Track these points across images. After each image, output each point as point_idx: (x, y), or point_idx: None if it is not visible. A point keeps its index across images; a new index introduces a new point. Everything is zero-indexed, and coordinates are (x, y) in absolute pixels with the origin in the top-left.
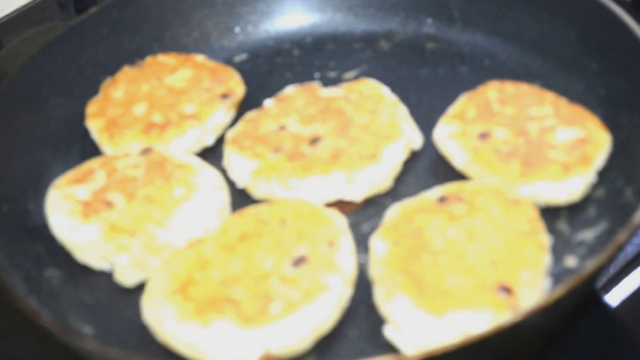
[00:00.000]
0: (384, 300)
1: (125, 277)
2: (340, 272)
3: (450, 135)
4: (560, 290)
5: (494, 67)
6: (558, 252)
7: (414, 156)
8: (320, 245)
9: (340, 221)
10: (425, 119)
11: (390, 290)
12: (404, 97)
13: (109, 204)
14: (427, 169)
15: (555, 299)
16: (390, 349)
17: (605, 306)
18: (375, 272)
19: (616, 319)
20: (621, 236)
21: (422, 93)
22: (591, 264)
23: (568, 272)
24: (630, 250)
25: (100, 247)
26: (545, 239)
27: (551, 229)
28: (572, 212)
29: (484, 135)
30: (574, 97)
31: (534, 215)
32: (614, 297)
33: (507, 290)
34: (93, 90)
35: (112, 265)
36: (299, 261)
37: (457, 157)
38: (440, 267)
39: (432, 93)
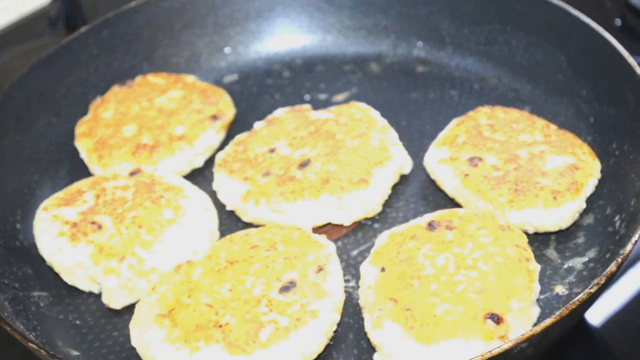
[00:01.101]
0: (373, 327)
1: (113, 300)
2: (329, 298)
3: (441, 160)
4: (550, 320)
5: (484, 91)
6: (547, 279)
7: (403, 180)
8: (309, 271)
9: (330, 246)
10: (416, 143)
11: (380, 317)
12: (394, 121)
13: (98, 226)
14: (417, 193)
15: (544, 328)
16: None
17: (588, 326)
18: (364, 299)
19: (599, 339)
20: (611, 267)
21: (413, 117)
22: (581, 295)
23: (557, 299)
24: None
25: (88, 269)
26: (534, 267)
27: (540, 256)
28: (561, 239)
29: (473, 161)
30: (564, 123)
31: (523, 242)
32: (595, 316)
33: (496, 318)
34: (82, 110)
35: (100, 287)
36: (288, 287)
37: (447, 182)
38: (430, 295)
39: (423, 117)
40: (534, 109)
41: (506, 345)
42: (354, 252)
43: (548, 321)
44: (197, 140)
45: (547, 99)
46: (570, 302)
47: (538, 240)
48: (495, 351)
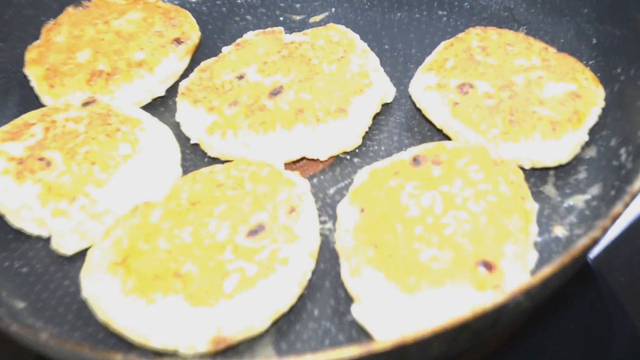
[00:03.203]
0: (351, 275)
1: (63, 245)
2: (302, 243)
3: (428, 87)
4: (549, 269)
5: (475, 11)
6: (545, 219)
7: (385, 110)
8: (280, 212)
9: (303, 184)
10: (400, 69)
11: (359, 264)
12: (376, 44)
13: (47, 163)
14: (401, 124)
15: (543, 279)
16: (358, 330)
17: (590, 268)
18: (342, 243)
19: (601, 280)
20: (618, 207)
21: (396, 39)
22: (584, 240)
23: (556, 242)
24: None
25: (36, 211)
26: (530, 206)
27: (537, 194)
28: (560, 174)
29: (464, 88)
30: (564, 45)
31: (519, 178)
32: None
33: (488, 265)
34: (33, 34)
35: (49, 231)
36: (256, 231)
37: (434, 111)
38: (415, 239)
39: (407, 39)
40: (530, 29)
41: (501, 298)
42: (331, 190)
43: (547, 270)
44: (159, 66)
45: (545, 19)
46: (572, 248)
47: (535, 176)
48: (488, 306)
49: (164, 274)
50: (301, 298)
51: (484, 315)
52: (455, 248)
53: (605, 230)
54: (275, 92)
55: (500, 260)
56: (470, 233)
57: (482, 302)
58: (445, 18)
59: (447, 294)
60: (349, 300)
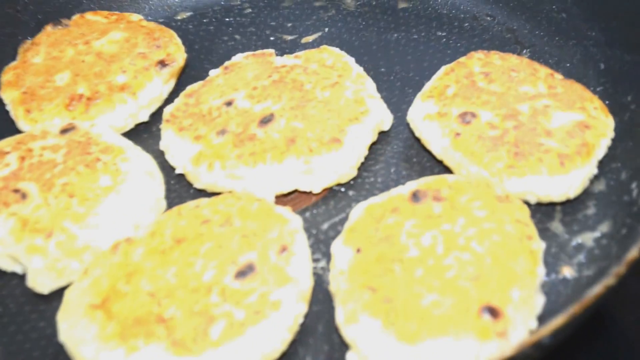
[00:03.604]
0: (346, 321)
1: (39, 283)
2: (294, 285)
3: (427, 116)
4: (561, 319)
5: (476, 32)
6: (552, 258)
7: (382, 138)
8: (271, 251)
9: (295, 221)
10: (397, 94)
11: (355, 309)
12: (372, 67)
13: (22, 195)
14: (399, 154)
15: (555, 329)
16: None
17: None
18: (336, 286)
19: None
20: (633, 252)
21: (393, 62)
22: (598, 289)
23: (564, 284)
24: None
25: (9, 246)
26: (537, 246)
27: (543, 231)
28: (567, 210)
29: (466, 117)
30: (569, 70)
31: (525, 216)
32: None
33: (494, 312)
34: (9, 54)
35: (23, 268)
36: (245, 272)
37: (434, 142)
38: (414, 282)
39: (405, 62)
40: (534, 53)
41: (509, 351)
42: (325, 226)
43: (558, 321)
44: (142, 90)
45: (550, 42)
46: (585, 297)
47: (540, 212)
48: (495, 358)
49: (146, 318)
50: (292, 343)
51: None
52: (458, 293)
53: (620, 278)
54: (265, 120)
55: (507, 306)
56: (474, 276)
57: (486, 352)
58: (444, 39)
59: (449, 343)
60: (344, 345)
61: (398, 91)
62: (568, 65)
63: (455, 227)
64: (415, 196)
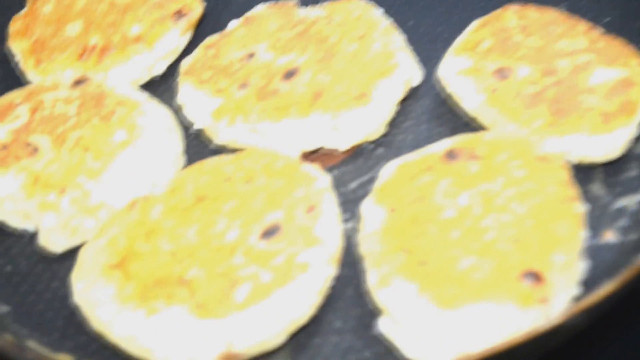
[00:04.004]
0: (379, 285)
1: (52, 242)
2: (322, 246)
3: (461, 72)
4: (612, 286)
5: None
6: (594, 222)
7: (411, 95)
8: (297, 210)
9: (323, 179)
10: (426, 48)
11: (388, 273)
12: (399, 20)
13: (33, 149)
14: (429, 111)
15: (605, 296)
16: (385, 346)
17: None
18: (367, 248)
19: None
20: None
21: (422, 15)
22: None
23: (608, 249)
24: None
25: (20, 203)
26: (580, 209)
27: (584, 193)
28: (609, 171)
29: (502, 72)
30: (609, 25)
31: (566, 177)
32: None
33: (536, 277)
34: (17, 3)
35: (35, 225)
36: (271, 232)
37: (468, 98)
38: (451, 244)
39: (434, 15)
40: (570, 6)
41: (555, 320)
42: (353, 185)
43: (609, 287)
44: (158, 41)
45: None
46: (636, 262)
47: (581, 173)
48: (541, 328)
49: (167, 279)
50: (321, 308)
51: (537, 338)
52: (498, 256)
53: None
54: (289, 74)
55: (549, 271)
56: (514, 239)
57: (527, 320)
58: None
59: (489, 309)
60: (375, 311)
61: (427, 45)
62: (608, 19)
63: (493, 186)
64: (451, 154)
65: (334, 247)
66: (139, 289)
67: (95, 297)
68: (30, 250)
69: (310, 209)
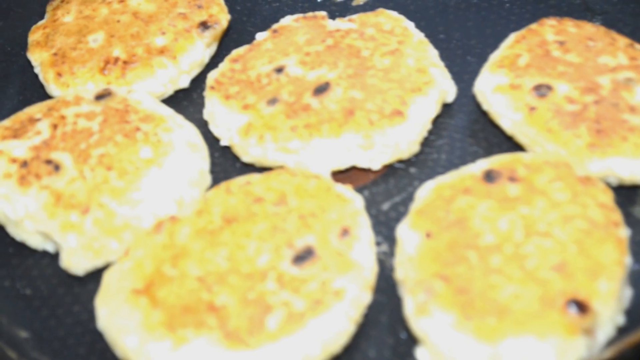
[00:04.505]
0: (417, 314)
1: (74, 264)
2: (358, 272)
3: (498, 88)
4: None
5: None
6: (637, 247)
7: (445, 112)
8: (331, 234)
9: (357, 201)
10: (458, 63)
11: (425, 302)
12: (430, 34)
13: (55, 167)
14: (463, 129)
15: None
16: None
17: None
18: (403, 274)
19: None
20: None
21: (452, 28)
22: None
23: None
24: None
25: (42, 223)
26: (624, 234)
27: (626, 217)
28: None
29: (541, 90)
30: None
31: (609, 200)
32: None
33: (581, 305)
34: (37, 12)
35: (57, 246)
36: (304, 256)
37: (505, 116)
38: (491, 272)
39: (465, 28)
40: (606, 21)
41: (607, 353)
42: (385, 206)
43: None
44: (183, 54)
45: (624, 9)
46: None
47: (621, 195)
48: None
49: (195, 306)
50: (355, 338)
51: None
52: (541, 284)
53: None
54: (320, 89)
55: (594, 299)
56: (557, 266)
57: (573, 352)
58: (507, 4)
59: (532, 342)
60: (411, 339)
61: (459, 60)
62: None
63: (534, 211)
64: (489, 176)
65: (370, 273)
66: (166, 316)
67: (121, 324)
68: (51, 272)
69: (345, 232)
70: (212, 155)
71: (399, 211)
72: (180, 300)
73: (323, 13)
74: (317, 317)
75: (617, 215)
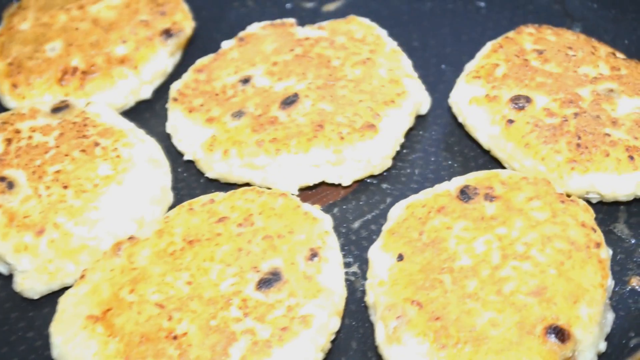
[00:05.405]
0: (389, 341)
1: (29, 287)
2: (327, 297)
3: (474, 100)
4: None
5: (519, 2)
6: (618, 266)
7: (419, 123)
8: (298, 257)
9: (326, 221)
10: (432, 72)
11: (399, 328)
12: (403, 42)
13: (8, 185)
14: (438, 142)
15: None
16: None
17: None
18: (375, 298)
19: None
20: None
21: (427, 35)
22: None
23: (634, 296)
24: None
25: None
26: (606, 255)
27: (607, 235)
28: (633, 209)
29: (519, 102)
30: (628, 48)
31: (590, 219)
32: None
33: (560, 333)
34: None
35: (9, 269)
36: (270, 281)
37: (482, 129)
38: (466, 297)
39: (440, 35)
40: (586, 28)
41: None
42: (356, 224)
43: None
44: (145, 64)
45: (605, 15)
46: None
47: (602, 212)
48: None
49: (155, 335)
50: None
51: None
52: (519, 310)
53: None
54: (288, 101)
55: (575, 326)
56: (536, 290)
57: None
58: (484, 10)
59: None
60: None
61: (434, 69)
62: (626, 42)
63: (512, 231)
64: (464, 193)
65: (339, 298)
66: (124, 345)
67: (76, 354)
68: (4, 296)
69: (313, 254)
70: (175, 170)
71: (371, 229)
72: (139, 328)
73: (292, 20)
74: (283, 346)
75: (598, 236)
